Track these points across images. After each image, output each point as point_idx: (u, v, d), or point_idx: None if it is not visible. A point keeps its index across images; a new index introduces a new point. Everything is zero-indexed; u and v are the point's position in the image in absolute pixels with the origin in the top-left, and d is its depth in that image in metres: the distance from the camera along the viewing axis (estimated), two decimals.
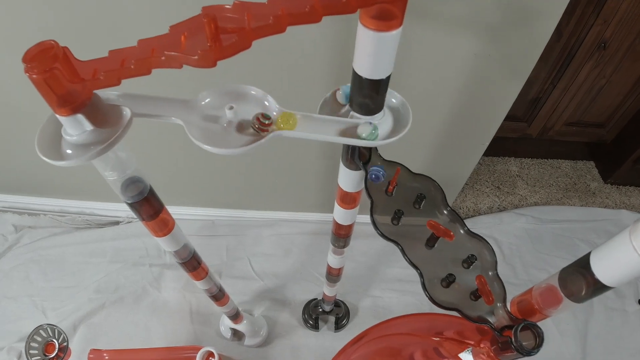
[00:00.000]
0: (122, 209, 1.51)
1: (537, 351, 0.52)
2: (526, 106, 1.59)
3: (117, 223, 1.53)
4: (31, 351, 0.96)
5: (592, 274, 0.46)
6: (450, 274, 0.55)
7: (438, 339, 0.63)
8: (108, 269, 1.43)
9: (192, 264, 0.81)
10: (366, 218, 1.48)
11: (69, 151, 0.46)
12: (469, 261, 0.56)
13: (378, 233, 0.56)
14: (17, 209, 1.56)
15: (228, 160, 1.26)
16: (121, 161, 0.55)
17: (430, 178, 0.60)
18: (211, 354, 0.75)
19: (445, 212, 0.59)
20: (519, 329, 0.53)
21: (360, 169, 0.62)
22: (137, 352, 0.89)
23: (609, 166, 1.80)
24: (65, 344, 0.98)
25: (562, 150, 1.84)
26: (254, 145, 0.49)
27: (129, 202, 0.60)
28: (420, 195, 0.58)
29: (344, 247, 0.87)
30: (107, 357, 0.92)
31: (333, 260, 0.93)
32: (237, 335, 1.30)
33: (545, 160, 1.83)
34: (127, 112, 0.48)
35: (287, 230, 1.49)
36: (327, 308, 1.27)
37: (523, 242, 1.56)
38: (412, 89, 1.01)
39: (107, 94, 0.50)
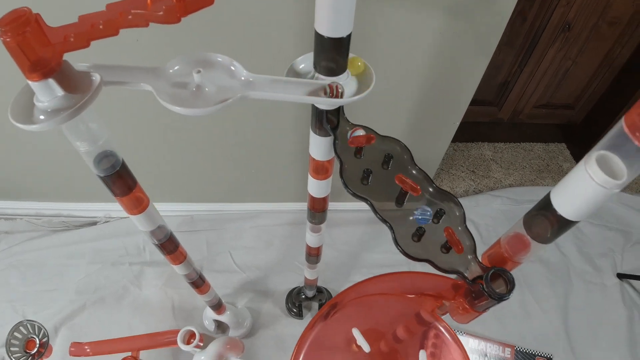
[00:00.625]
0: (99, 209, 1.50)
1: (509, 296, 0.54)
2: (496, 90, 1.64)
3: (94, 223, 1.52)
4: (12, 348, 0.96)
5: (554, 211, 0.48)
6: (420, 228, 0.57)
7: (414, 295, 0.65)
8: (88, 270, 1.43)
9: (169, 246, 0.81)
10: (345, 205, 1.50)
11: (41, 117, 0.47)
12: (438, 215, 0.58)
13: (349, 192, 0.58)
14: None
15: (205, 153, 1.28)
16: (92, 132, 0.55)
17: (397, 140, 0.62)
18: (192, 334, 0.75)
19: (413, 171, 0.61)
20: (490, 275, 0.55)
21: (329, 135, 0.64)
22: (118, 341, 0.89)
23: (580, 147, 1.85)
24: (45, 339, 0.98)
25: (534, 133, 1.89)
26: (221, 106, 0.51)
27: (102, 175, 0.61)
28: (388, 156, 0.60)
29: (320, 223, 0.88)
30: (88, 349, 0.92)
31: (311, 238, 0.94)
32: (221, 327, 1.30)
33: (518, 143, 1.88)
34: (96, 77, 0.50)
35: (267, 221, 1.50)
36: (310, 294, 1.29)
37: (499, 222, 1.60)
38: (379, 68, 1.03)
39: (79, 65, 0.51)
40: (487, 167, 1.77)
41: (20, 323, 0.99)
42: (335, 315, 0.69)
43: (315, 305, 1.33)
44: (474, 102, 1.64)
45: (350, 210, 1.51)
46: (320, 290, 1.32)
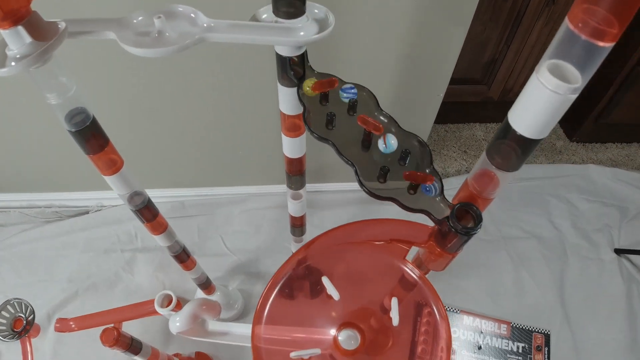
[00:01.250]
0: (91, 197, 1.52)
1: (477, 229, 0.54)
2: (483, 69, 1.64)
3: (86, 212, 1.53)
4: None
5: (514, 133, 0.47)
6: (384, 166, 0.57)
7: (382, 242, 0.65)
8: (80, 259, 1.44)
9: (147, 214, 0.82)
10: (333, 186, 1.50)
11: (12, 63, 0.49)
12: (404, 157, 0.59)
13: (314, 136, 0.59)
14: None
15: (192, 136, 1.29)
16: (61, 84, 0.57)
17: (362, 86, 0.63)
18: (169, 298, 0.76)
19: (379, 115, 0.61)
20: (455, 210, 0.55)
21: (295, 86, 0.65)
22: (102, 314, 0.90)
23: (572, 125, 1.85)
24: (31, 316, 0.99)
25: None
26: (180, 47, 0.52)
27: (73, 130, 0.62)
28: (353, 101, 0.61)
29: (299, 188, 0.89)
30: (73, 325, 0.92)
31: (293, 207, 0.95)
32: None
33: None
34: (62, 25, 0.51)
35: (257, 205, 1.51)
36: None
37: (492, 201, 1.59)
38: (357, 40, 1.04)
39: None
40: (479, 147, 1.77)
41: (7, 301, 0.99)
42: (302, 267, 0.69)
43: (306, 285, 1.33)
44: (462, 81, 1.65)
45: (338, 190, 1.51)
46: (309, 270, 1.32)
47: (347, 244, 0.70)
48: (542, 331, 1.34)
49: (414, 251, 0.68)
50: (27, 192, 1.53)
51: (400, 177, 0.57)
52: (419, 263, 0.69)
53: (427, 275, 0.69)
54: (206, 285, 1.15)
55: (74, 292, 1.36)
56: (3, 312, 0.98)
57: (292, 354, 0.60)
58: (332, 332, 0.66)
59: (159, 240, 0.89)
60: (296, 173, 0.84)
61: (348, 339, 0.63)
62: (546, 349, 1.32)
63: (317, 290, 0.71)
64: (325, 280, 0.65)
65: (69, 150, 1.35)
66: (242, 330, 0.71)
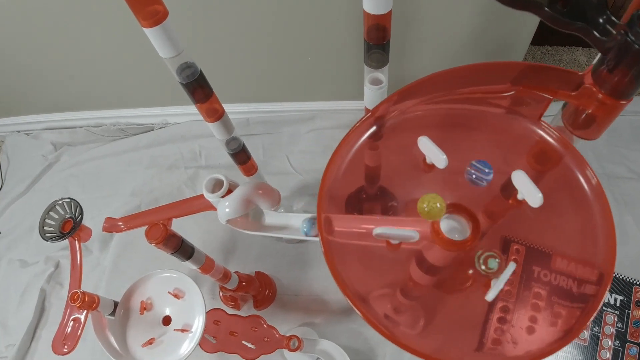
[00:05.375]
0: (156, 114, 1.38)
1: None
2: None
3: (151, 129, 1.40)
4: (46, 228, 0.84)
5: None
6: None
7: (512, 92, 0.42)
8: (144, 175, 1.32)
9: (242, 157, 0.83)
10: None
11: None
12: None
13: None
14: (55, 128, 1.48)
15: (258, 44, 1.10)
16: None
17: None
18: (220, 183, 0.58)
19: None
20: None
21: None
22: (150, 212, 0.75)
23: None
24: (80, 217, 0.85)
25: None
26: None
27: (184, 82, 0.62)
28: None
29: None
30: (121, 224, 0.78)
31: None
32: None
33: None
34: None
35: (326, 123, 1.30)
36: (371, 191, 1.08)
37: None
38: None
39: None
40: None
41: (56, 202, 0.87)
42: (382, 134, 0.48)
43: (378, 207, 1.13)
44: None
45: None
46: (383, 191, 1.11)
47: (453, 98, 0.47)
48: None
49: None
50: (93, 109, 1.41)
51: None
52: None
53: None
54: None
55: (137, 205, 1.25)
56: (52, 213, 0.85)
57: (377, 231, 0.40)
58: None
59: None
60: None
61: (454, 227, 0.42)
62: None
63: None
64: (424, 141, 0.43)
65: (134, 66, 1.21)
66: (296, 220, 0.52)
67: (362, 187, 0.53)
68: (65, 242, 1.28)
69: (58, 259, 1.23)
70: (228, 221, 0.54)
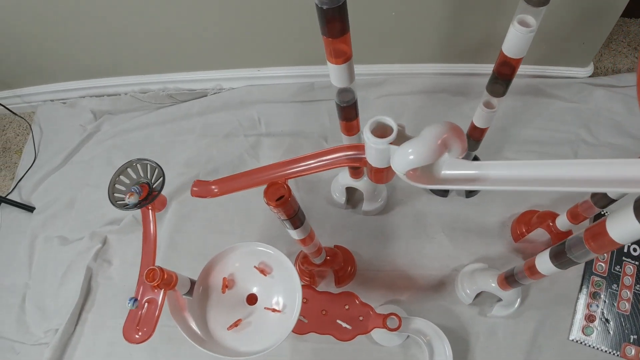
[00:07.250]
0: (209, 77, 1.24)
1: None
2: None
3: (204, 95, 1.26)
4: (116, 194, 0.71)
5: None
6: None
7: None
8: (197, 144, 1.19)
9: (351, 112, 0.74)
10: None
11: None
12: None
13: None
14: (95, 95, 1.34)
15: None
16: None
17: None
18: (385, 129, 0.44)
19: None
20: None
21: None
22: (250, 173, 0.61)
23: None
24: (160, 182, 0.73)
25: None
26: None
27: (324, 7, 0.51)
28: None
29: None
30: (215, 188, 0.65)
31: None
32: (351, 202, 1.03)
33: None
34: None
35: (397, 89, 1.17)
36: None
37: None
38: None
39: None
40: None
41: (129, 162, 0.74)
42: None
43: None
44: None
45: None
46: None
47: None
48: None
49: None
50: (138, 74, 1.27)
51: None
52: None
53: None
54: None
55: (194, 176, 1.12)
56: (122, 177, 0.72)
57: None
58: None
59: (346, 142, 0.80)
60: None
61: None
62: None
63: None
64: None
65: (184, 24, 1.08)
66: (501, 170, 0.40)
67: None
68: (113, 215, 1.16)
69: (105, 235, 1.10)
70: (407, 173, 0.41)
